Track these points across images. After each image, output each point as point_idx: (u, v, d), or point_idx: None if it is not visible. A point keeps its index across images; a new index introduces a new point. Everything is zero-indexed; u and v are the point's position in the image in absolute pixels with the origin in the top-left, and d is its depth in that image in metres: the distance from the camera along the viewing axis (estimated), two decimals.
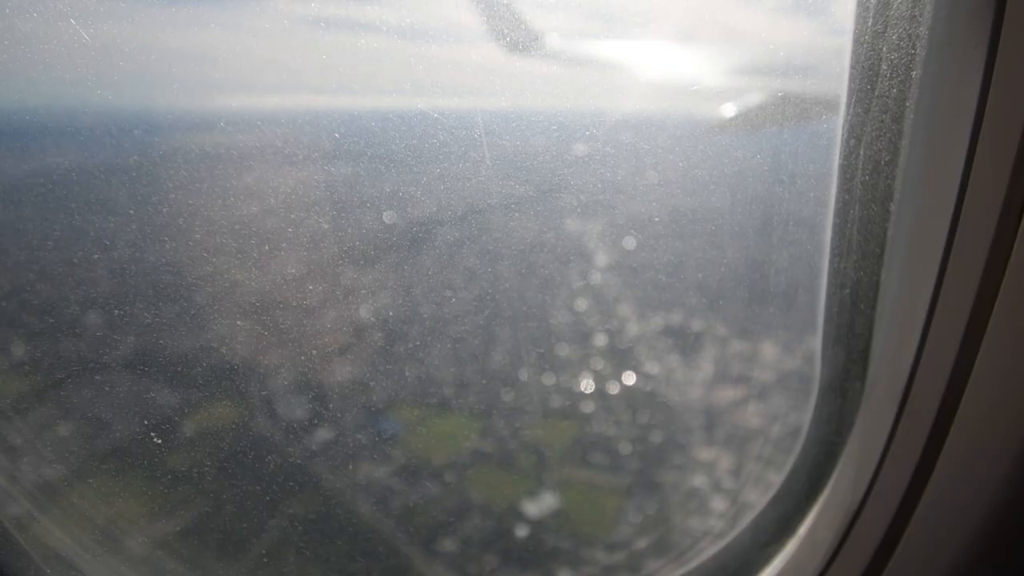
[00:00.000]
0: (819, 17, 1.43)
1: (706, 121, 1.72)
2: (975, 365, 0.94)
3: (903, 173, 1.03)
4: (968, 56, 0.85)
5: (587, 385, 2.31)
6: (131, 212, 1.55)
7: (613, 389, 2.35)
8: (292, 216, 1.57)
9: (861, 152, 1.06)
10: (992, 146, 0.86)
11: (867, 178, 1.07)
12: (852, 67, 1.04)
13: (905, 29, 0.94)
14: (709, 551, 1.74)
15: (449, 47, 1.45)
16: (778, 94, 1.44)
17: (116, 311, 1.57)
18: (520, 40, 1.43)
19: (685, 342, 2.35)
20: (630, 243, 1.90)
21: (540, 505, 2.26)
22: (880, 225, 1.11)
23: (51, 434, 1.63)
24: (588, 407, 2.35)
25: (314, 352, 1.69)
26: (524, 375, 2.06)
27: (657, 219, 1.75)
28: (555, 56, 1.52)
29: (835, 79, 1.19)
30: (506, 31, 1.42)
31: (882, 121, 1.02)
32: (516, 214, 1.65)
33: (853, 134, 1.06)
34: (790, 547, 1.49)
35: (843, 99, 1.12)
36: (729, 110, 1.66)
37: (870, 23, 0.98)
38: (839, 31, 1.16)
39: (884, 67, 0.98)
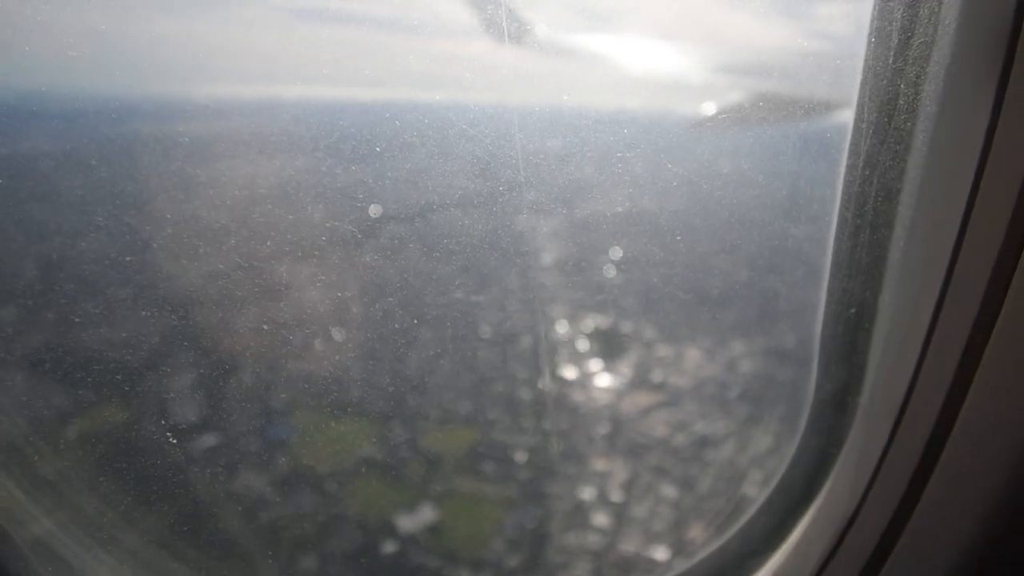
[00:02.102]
0: (825, 28, 1.45)
1: (696, 121, 1.71)
2: (972, 385, 0.98)
3: (909, 199, 1.09)
4: (980, 90, 0.90)
5: (576, 384, 2.31)
6: (118, 202, 1.52)
7: (604, 396, 2.36)
8: (247, 209, 1.53)
9: (875, 180, 1.12)
10: (999, 175, 0.91)
11: (879, 204, 1.13)
12: (869, 100, 1.09)
13: (923, 68, 1.00)
14: (697, 558, 1.76)
15: (434, 39, 1.43)
16: (778, 99, 1.46)
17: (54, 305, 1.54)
18: (511, 33, 1.40)
19: (672, 348, 2.36)
20: (616, 245, 1.88)
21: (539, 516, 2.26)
22: (884, 246, 1.16)
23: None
24: (576, 409, 2.36)
25: (221, 350, 1.65)
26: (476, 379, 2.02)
27: (647, 222, 1.74)
28: (564, 52, 1.51)
29: (841, 95, 1.22)
30: (495, 24, 1.39)
31: (896, 152, 1.07)
32: (468, 211, 1.59)
33: (868, 162, 1.12)
34: (779, 557, 1.51)
35: (850, 124, 1.17)
36: (720, 112, 1.65)
37: (890, 61, 1.04)
38: (847, 49, 1.20)
39: (901, 102, 1.04)
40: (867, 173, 1.12)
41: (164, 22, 1.45)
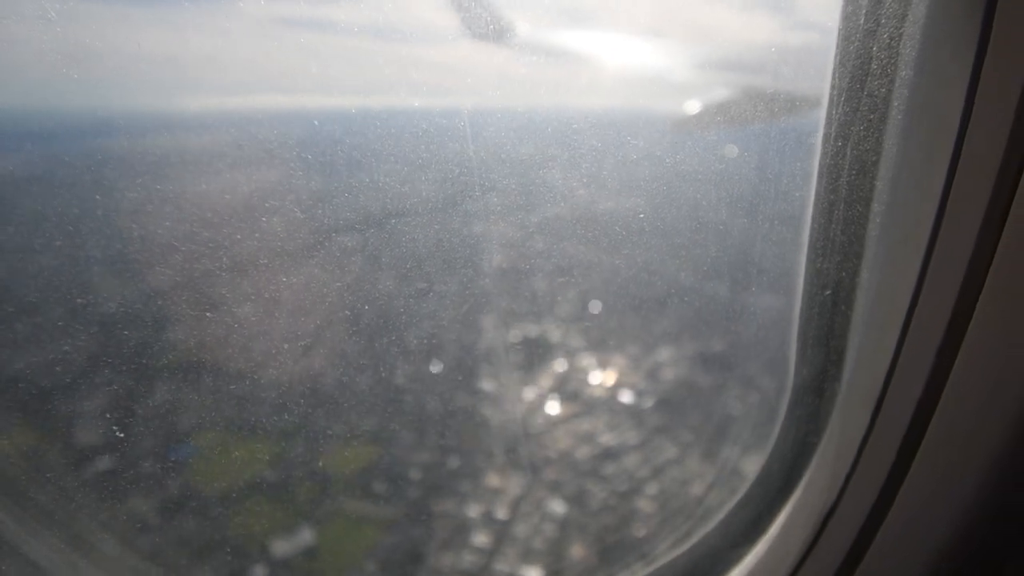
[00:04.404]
0: (798, 15, 1.43)
1: (677, 117, 1.70)
2: (953, 369, 0.94)
3: (888, 173, 1.03)
4: (957, 57, 0.85)
5: (547, 387, 2.30)
6: (99, 216, 1.48)
7: (566, 389, 2.35)
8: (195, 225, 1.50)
9: (848, 151, 1.06)
10: (978, 149, 0.86)
11: (853, 177, 1.07)
12: (840, 65, 1.03)
13: (896, 28, 0.94)
14: (678, 550, 1.74)
15: (416, 45, 1.42)
16: (755, 91, 1.43)
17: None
18: (492, 35, 1.39)
19: (655, 339, 2.34)
20: (606, 241, 1.87)
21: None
22: (862, 225, 1.11)
23: None
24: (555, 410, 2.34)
25: (131, 367, 1.58)
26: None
27: (624, 216, 1.73)
28: (545, 52, 1.49)
29: (815, 77, 1.18)
30: (476, 26, 1.38)
31: (870, 120, 1.01)
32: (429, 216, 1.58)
33: (841, 133, 1.06)
34: (761, 546, 1.49)
35: (825, 97, 1.12)
36: (703, 106, 1.64)
37: (861, 21, 0.97)
38: (820, 29, 1.15)
39: (874, 66, 0.98)
40: (840, 144, 1.06)
41: (143, 35, 1.42)
